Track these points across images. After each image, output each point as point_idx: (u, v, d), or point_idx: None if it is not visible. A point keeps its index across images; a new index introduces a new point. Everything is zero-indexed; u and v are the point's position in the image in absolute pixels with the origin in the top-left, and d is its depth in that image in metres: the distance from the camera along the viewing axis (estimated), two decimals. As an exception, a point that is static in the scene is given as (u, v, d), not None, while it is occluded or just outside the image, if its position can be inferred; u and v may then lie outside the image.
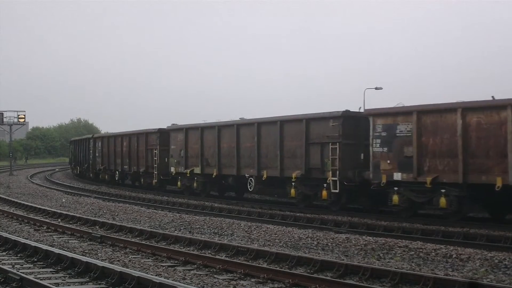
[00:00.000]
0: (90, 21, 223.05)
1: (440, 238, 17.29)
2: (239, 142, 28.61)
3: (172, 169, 33.86)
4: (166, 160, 35.16)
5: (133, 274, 10.49)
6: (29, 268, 12.42)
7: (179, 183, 33.54)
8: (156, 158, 36.02)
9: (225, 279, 11.53)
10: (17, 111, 58.69)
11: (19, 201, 27.37)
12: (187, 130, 33.03)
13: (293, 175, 25.04)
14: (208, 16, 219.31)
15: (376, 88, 51.87)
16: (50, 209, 24.03)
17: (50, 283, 10.51)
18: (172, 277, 11.32)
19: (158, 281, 9.90)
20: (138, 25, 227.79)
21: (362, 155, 23.43)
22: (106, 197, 33.26)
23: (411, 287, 10.87)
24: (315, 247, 15.36)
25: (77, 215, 21.84)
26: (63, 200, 29.75)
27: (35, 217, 21.48)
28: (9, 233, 16.91)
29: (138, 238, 16.82)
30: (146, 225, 19.87)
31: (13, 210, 24.22)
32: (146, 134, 37.92)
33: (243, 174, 28.45)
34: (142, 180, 38.62)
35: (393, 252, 14.41)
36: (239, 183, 29.59)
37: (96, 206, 26.33)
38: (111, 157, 43.64)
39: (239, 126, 28.96)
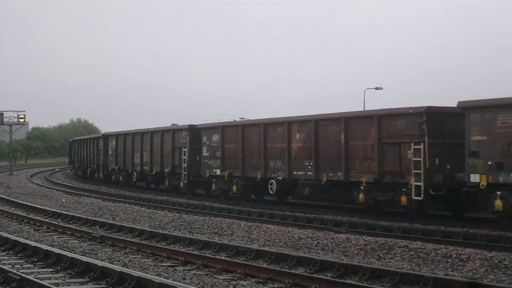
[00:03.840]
0: (90, 21, 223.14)
1: (440, 238, 17.30)
2: None
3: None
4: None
5: (133, 274, 10.50)
6: (29, 268, 12.43)
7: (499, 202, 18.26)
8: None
9: (225, 279, 11.53)
10: (17, 111, 58.72)
11: (19, 201, 27.37)
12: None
13: None
14: (208, 15, 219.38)
15: (376, 88, 51.95)
16: (50, 209, 24.03)
17: (50, 283, 10.52)
18: (172, 277, 11.33)
19: (158, 281, 9.91)
20: (139, 25, 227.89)
21: None
22: (106, 197, 33.25)
23: (411, 287, 10.88)
24: (315, 247, 15.37)
25: (77, 215, 21.85)
26: (63, 200, 29.76)
27: (35, 217, 21.49)
28: (9, 233, 16.92)
29: (138, 238, 16.82)
30: (146, 225, 19.87)
31: (13, 210, 24.23)
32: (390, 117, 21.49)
33: None
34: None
35: (393, 252, 14.41)
36: None
37: (96, 206, 26.33)
38: (251, 157, 27.82)
39: None
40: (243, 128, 28.62)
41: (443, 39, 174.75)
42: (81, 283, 10.96)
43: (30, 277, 10.88)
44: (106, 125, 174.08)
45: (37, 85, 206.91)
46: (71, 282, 11.02)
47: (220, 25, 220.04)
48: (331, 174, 23.45)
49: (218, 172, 29.83)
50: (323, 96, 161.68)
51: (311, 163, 24.36)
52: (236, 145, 28.84)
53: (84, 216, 21.36)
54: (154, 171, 35.77)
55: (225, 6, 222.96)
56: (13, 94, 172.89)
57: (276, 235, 17.10)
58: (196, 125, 32.58)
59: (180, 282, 10.57)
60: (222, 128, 29.99)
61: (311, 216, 22.14)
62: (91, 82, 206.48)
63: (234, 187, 28.59)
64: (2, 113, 58.29)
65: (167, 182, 34.61)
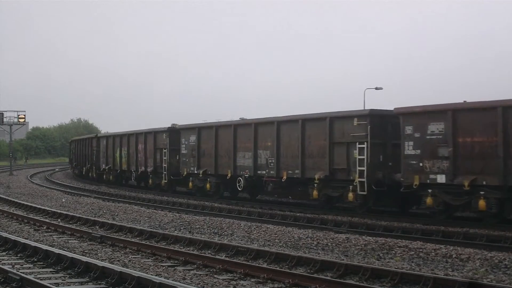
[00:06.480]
0: (90, 21, 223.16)
1: (440, 238, 17.30)
2: None
3: None
4: None
5: (133, 274, 10.50)
6: (29, 268, 12.43)
7: None
8: None
9: (225, 279, 11.54)
10: (17, 111, 58.80)
11: (19, 201, 27.37)
12: None
13: None
14: (209, 15, 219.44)
15: (376, 88, 51.94)
16: (50, 209, 24.03)
17: (50, 283, 10.52)
18: (172, 277, 11.33)
19: (158, 281, 9.91)
20: (139, 25, 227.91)
21: None
22: (106, 197, 33.23)
23: (411, 287, 10.88)
24: (315, 247, 15.37)
25: (77, 215, 21.85)
26: (63, 200, 29.75)
27: (35, 217, 21.49)
28: (9, 233, 16.92)
29: (138, 238, 16.82)
30: (146, 225, 19.88)
31: (13, 210, 24.23)
32: None
33: None
34: None
35: (393, 252, 14.42)
36: None
37: (96, 206, 26.33)
38: None
39: None
40: (506, 112, 18.60)
41: (443, 40, 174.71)
42: (81, 283, 10.96)
43: (30, 277, 10.88)
44: (106, 125, 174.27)
45: (37, 85, 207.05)
46: (71, 282, 11.02)
47: (220, 25, 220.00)
48: None
49: (441, 178, 20.08)
50: (323, 96, 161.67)
51: None
52: (488, 138, 19.17)
53: (84, 216, 21.36)
54: (285, 176, 25.61)
55: (225, 7, 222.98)
56: (13, 94, 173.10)
57: (276, 235, 17.10)
58: (383, 110, 22.70)
59: (180, 282, 10.57)
60: (454, 113, 19.78)
61: (311, 216, 22.12)
62: (91, 82, 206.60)
63: (481, 202, 18.95)
64: (2, 113, 58.35)
65: (315, 192, 24.16)
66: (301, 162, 24.77)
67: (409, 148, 20.90)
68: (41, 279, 10.89)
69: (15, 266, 12.47)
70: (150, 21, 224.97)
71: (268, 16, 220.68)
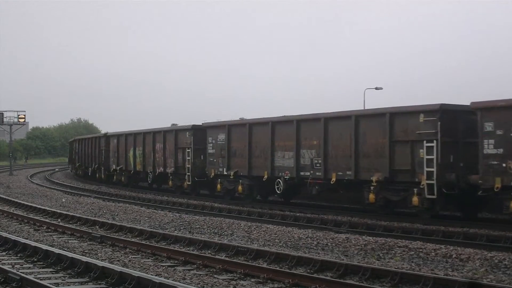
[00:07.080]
0: (91, 21, 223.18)
1: (440, 238, 17.30)
2: None
3: None
4: None
5: (133, 274, 10.50)
6: (29, 268, 12.43)
7: None
8: None
9: (225, 279, 11.54)
10: (17, 111, 58.76)
11: (19, 201, 27.37)
12: None
13: None
14: (209, 14, 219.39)
15: (376, 88, 51.94)
16: (50, 209, 24.03)
17: (50, 283, 10.52)
18: (172, 277, 11.33)
19: (158, 281, 9.91)
20: (139, 24, 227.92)
21: None
22: (106, 197, 33.23)
23: (411, 287, 10.88)
24: (315, 247, 15.37)
25: (77, 215, 21.85)
26: (63, 200, 29.75)
27: (35, 217, 21.49)
28: (9, 233, 16.91)
29: (138, 238, 16.82)
30: (146, 225, 19.88)
31: (13, 210, 24.23)
32: None
33: None
34: None
35: (393, 252, 14.42)
36: None
37: (96, 206, 26.33)
38: None
39: None
40: None
41: (443, 40, 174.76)
42: (81, 283, 10.96)
43: (30, 277, 10.87)
44: (106, 125, 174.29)
45: (37, 85, 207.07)
46: (71, 282, 11.02)
47: (220, 25, 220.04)
48: None
49: None
50: (322, 96, 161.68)
51: None
52: None
53: (84, 216, 21.36)
54: (335, 178, 23.18)
55: (225, 7, 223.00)
56: (13, 94, 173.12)
57: (276, 235, 17.10)
58: (454, 105, 20.43)
59: (180, 282, 10.57)
60: None
61: (311, 216, 22.13)
62: (91, 82, 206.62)
63: None
64: (2, 113, 58.34)
65: (372, 196, 21.69)
66: (354, 162, 22.40)
67: (489, 147, 18.39)
68: (41, 279, 10.89)
69: (15, 266, 12.47)
70: (150, 20, 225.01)
71: (269, 16, 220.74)
